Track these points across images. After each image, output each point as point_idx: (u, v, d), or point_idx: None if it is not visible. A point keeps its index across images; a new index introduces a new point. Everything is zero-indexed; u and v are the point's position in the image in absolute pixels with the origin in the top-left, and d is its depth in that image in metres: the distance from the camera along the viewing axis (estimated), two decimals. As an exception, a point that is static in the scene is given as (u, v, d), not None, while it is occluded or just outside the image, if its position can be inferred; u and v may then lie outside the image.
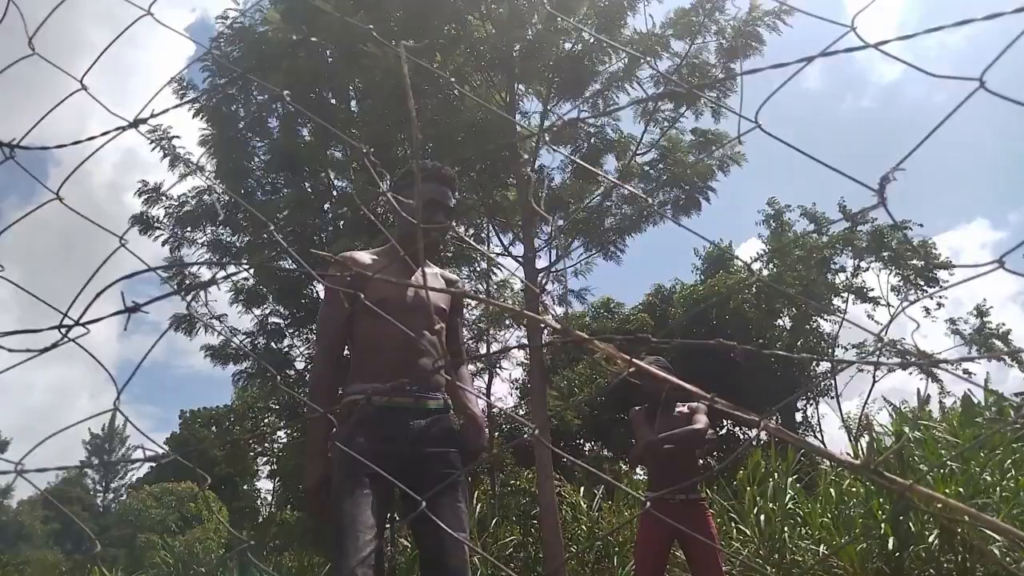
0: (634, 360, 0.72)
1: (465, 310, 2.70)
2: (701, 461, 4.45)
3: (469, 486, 12.22)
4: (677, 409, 4.16)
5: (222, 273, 10.24)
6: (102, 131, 1.04)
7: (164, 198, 10.28)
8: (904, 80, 51.26)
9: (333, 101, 10.41)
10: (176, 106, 0.95)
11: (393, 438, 2.28)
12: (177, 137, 10.00)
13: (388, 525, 2.36)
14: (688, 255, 30.82)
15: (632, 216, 9.36)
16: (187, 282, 9.96)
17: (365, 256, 2.51)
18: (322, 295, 3.01)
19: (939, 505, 0.69)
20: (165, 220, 10.34)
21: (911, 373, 19.36)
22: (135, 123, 0.97)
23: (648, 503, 3.47)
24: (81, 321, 0.90)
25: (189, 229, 10.35)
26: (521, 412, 19.86)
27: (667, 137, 9.23)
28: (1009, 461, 7.67)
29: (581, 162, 8.72)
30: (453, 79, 7.82)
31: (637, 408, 4.27)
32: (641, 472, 8.67)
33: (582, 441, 21.72)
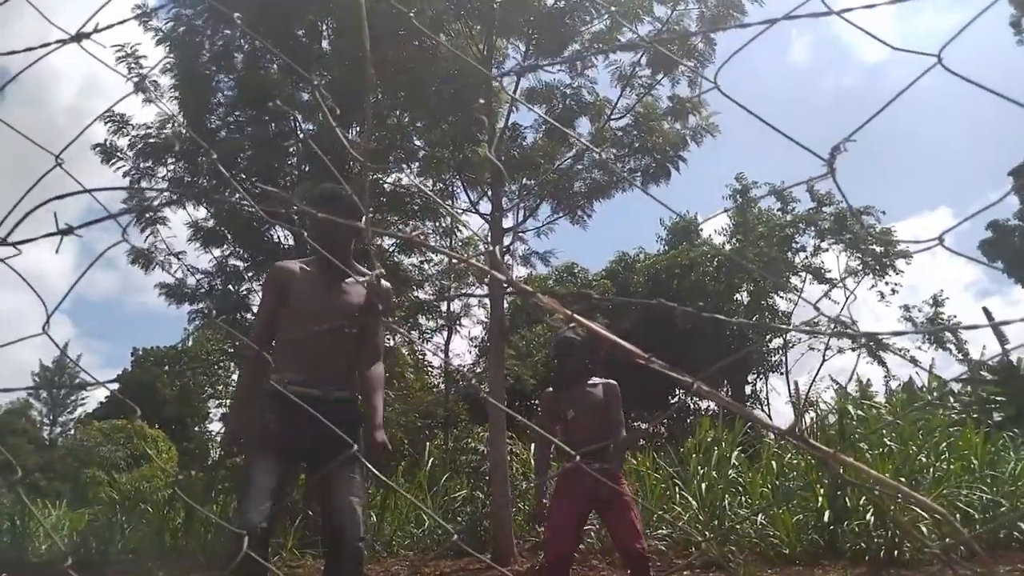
0: (575, 316, 0.71)
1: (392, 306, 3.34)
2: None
3: (425, 441, 12.34)
4: (590, 383, 4.24)
5: (170, 208, 9.92)
6: (65, 54, 0.98)
7: (129, 126, 9.92)
8: (889, 61, 51.46)
9: (304, 39, 10.11)
10: (122, 21, 0.89)
11: (299, 420, 2.57)
12: (144, 57, 9.59)
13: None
14: (654, 224, 31.01)
15: (602, 181, 9.33)
16: (146, 215, 9.72)
17: (294, 265, 3.07)
18: (282, 238, 3.81)
19: (863, 476, 0.71)
20: (128, 152, 10.00)
21: (858, 353, 19.89)
22: (78, 37, 0.91)
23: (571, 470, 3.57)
24: (9, 241, 0.86)
25: (151, 162, 10.02)
26: (479, 369, 19.98)
27: (643, 103, 9.18)
28: (945, 444, 7.98)
29: (554, 122, 8.64)
30: (428, 31, 7.64)
31: (549, 390, 4.38)
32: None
33: (536, 403, 21.98)
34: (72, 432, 33.68)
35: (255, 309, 10.39)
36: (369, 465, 1.82)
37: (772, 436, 8.24)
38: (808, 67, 57.38)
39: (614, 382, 4.23)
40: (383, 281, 3.11)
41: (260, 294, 3.25)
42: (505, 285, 0.71)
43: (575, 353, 4.25)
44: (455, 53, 7.59)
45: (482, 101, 8.58)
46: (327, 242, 2.74)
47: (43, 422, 39.78)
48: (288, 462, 2.82)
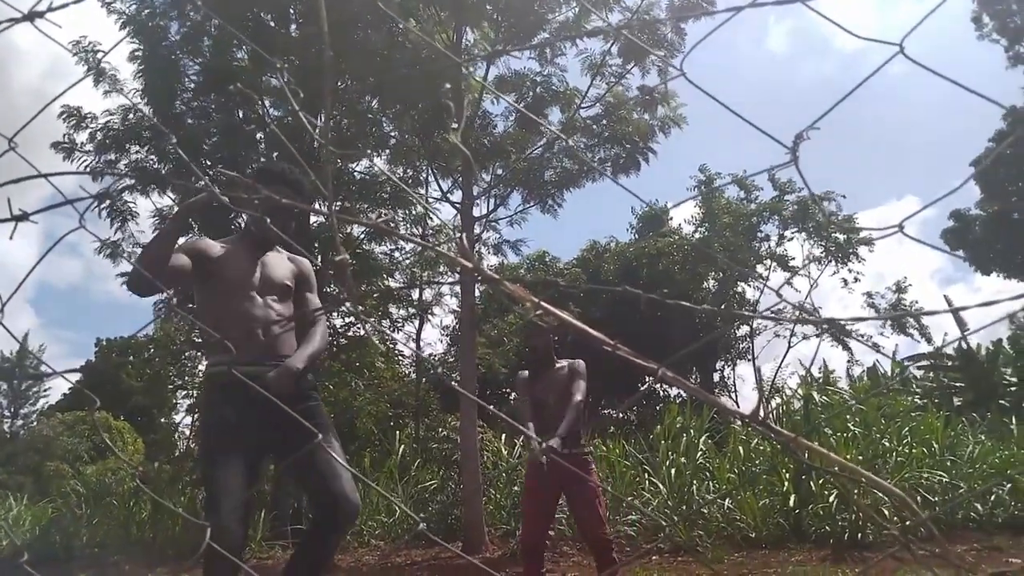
0: (543, 303, 0.72)
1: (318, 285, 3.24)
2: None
3: (394, 429, 12.28)
4: (557, 366, 4.27)
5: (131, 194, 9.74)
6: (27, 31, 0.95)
7: (89, 119, 9.69)
8: (867, 49, 52.12)
9: (272, 24, 9.94)
10: (65, 4, 0.85)
11: (254, 405, 2.29)
12: (103, 50, 9.38)
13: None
14: (625, 213, 31.18)
15: (572, 170, 9.35)
16: (111, 203, 9.51)
17: (214, 244, 2.96)
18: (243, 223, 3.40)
19: (825, 460, 0.72)
20: (88, 145, 9.78)
21: (819, 340, 20.23)
22: (30, 15, 0.89)
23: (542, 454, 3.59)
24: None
25: (113, 155, 9.81)
26: (450, 358, 19.95)
27: (612, 92, 9.20)
28: (907, 429, 8.18)
29: (525, 111, 8.63)
30: (396, 16, 7.56)
31: (522, 373, 4.41)
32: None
33: (508, 391, 22.05)
34: (34, 424, 32.96)
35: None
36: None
37: (738, 422, 8.36)
38: (786, 55, 58.01)
39: (580, 360, 4.27)
40: (300, 258, 3.12)
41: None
42: (474, 273, 0.71)
43: (544, 336, 4.28)
44: (423, 39, 7.52)
45: (448, 86, 8.52)
46: (271, 220, 2.70)
47: (3, 414, 38.91)
48: (252, 454, 2.71)
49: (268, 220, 2.57)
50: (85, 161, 9.75)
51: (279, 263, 3.02)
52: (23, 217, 0.84)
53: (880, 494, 6.51)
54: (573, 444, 4.07)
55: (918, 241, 0.75)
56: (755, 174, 21.23)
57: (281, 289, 2.97)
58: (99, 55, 9.35)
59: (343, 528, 2.88)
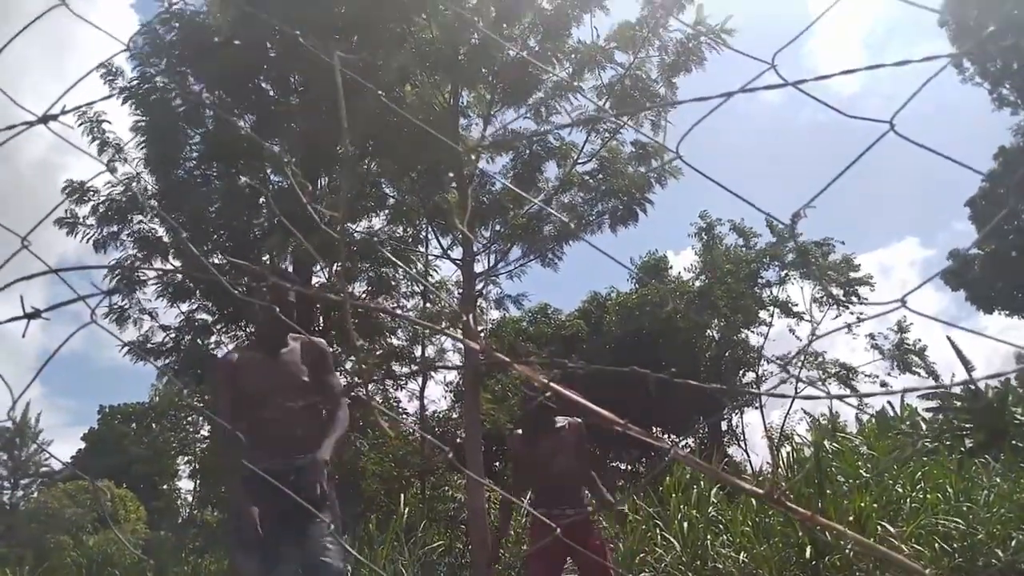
0: (551, 384, 0.72)
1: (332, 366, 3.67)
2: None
3: (400, 490, 12.13)
4: (558, 425, 4.22)
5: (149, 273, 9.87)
6: (33, 109, 0.98)
7: (91, 194, 9.87)
8: (863, 93, 52.80)
9: (272, 93, 10.17)
10: (88, 104, 0.89)
11: (270, 501, 2.82)
12: (108, 122, 9.60)
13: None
14: (625, 263, 31.23)
15: (571, 224, 9.44)
16: (115, 277, 9.60)
17: (235, 356, 3.32)
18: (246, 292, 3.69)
19: (839, 539, 0.72)
20: (91, 218, 9.93)
21: (829, 399, 20.06)
22: (44, 119, 0.92)
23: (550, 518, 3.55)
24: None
25: (115, 227, 9.95)
26: (455, 415, 19.78)
27: (607, 148, 9.35)
28: (919, 474, 8.05)
29: (514, 188, 8.75)
30: (392, 83, 7.74)
31: (516, 432, 4.34)
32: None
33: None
34: (35, 495, 32.47)
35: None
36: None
37: (750, 468, 8.25)
38: (783, 102, 58.99)
39: (579, 420, 4.21)
40: (314, 339, 3.44)
41: (217, 392, 3.45)
42: (481, 354, 0.72)
43: (537, 399, 4.22)
44: (421, 102, 7.69)
45: (452, 174, 8.65)
46: (269, 323, 3.25)
47: (3, 485, 38.38)
48: (270, 547, 3.00)
49: (277, 310, 2.82)
50: (88, 234, 9.89)
51: (293, 361, 3.30)
52: (35, 315, 0.86)
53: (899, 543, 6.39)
54: (578, 504, 4.01)
55: (921, 315, 0.76)
56: (759, 254, 21.34)
57: (298, 388, 3.25)
58: (103, 127, 9.56)
59: None
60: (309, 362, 3.31)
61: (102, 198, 9.80)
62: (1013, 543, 6.93)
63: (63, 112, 0.89)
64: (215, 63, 8.80)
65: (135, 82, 9.61)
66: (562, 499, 4.00)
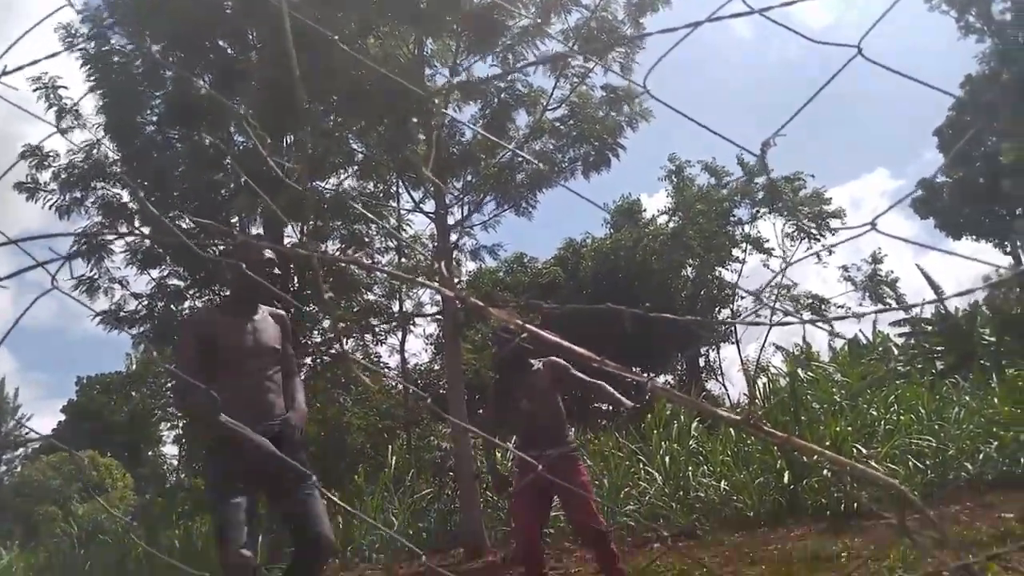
0: (527, 326, 0.74)
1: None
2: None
3: (387, 440, 12.25)
4: (533, 368, 4.28)
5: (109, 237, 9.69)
6: None
7: (51, 158, 9.59)
8: (835, 26, 52.42)
9: (230, 51, 9.87)
10: (35, 61, 0.86)
11: (251, 456, 3.07)
12: (64, 87, 9.27)
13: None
14: (600, 206, 31.23)
15: (544, 168, 9.37)
16: (86, 248, 9.42)
17: (209, 315, 3.47)
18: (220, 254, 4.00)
19: (816, 455, 0.75)
20: (52, 183, 9.67)
21: (803, 324, 20.42)
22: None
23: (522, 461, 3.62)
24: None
25: (78, 193, 9.70)
26: (436, 367, 19.91)
27: (577, 93, 9.24)
28: (892, 397, 8.31)
29: (484, 134, 8.64)
30: (354, 35, 7.54)
31: (496, 378, 4.41)
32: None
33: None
34: (19, 469, 32.37)
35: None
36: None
37: (728, 402, 8.45)
38: (753, 38, 58.48)
39: (554, 358, 4.26)
40: (276, 310, 3.56)
41: (179, 339, 3.52)
42: (457, 301, 0.73)
43: (509, 344, 4.26)
44: (385, 55, 7.51)
45: (416, 119, 8.49)
46: (245, 286, 3.35)
47: (-14, 461, 38.12)
48: (250, 494, 3.15)
49: (253, 275, 2.98)
50: (50, 200, 9.65)
51: (267, 326, 3.42)
52: None
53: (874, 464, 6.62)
54: (559, 442, 4.09)
55: (892, 237, 0.78)
56: (732, 181, 21.32)
57: (271, 353, 3.39)
58: (60, 92, 9.25)
59: (323, 561, 3.40)
60: (276, 331, 3.45)
61: (64, 163, 9.54)
62: (981, 456, 7.22)
63: (4, 72, 0.86)
64: (169, 21, 8.50)
65: (89, 42, 9.27)
66: (542, 440, 4.06)
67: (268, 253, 3.52)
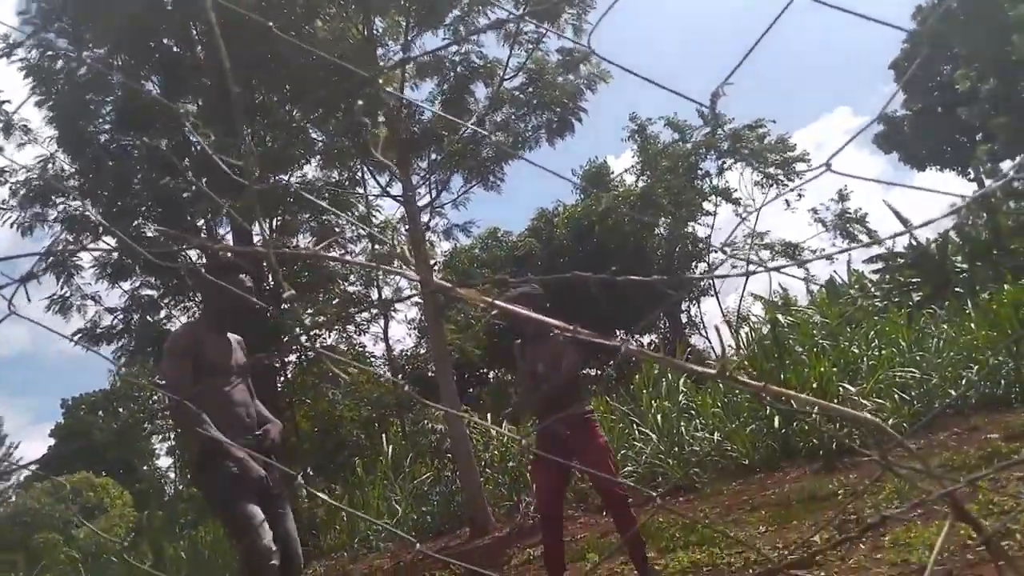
0: (495, 302, 0.71)
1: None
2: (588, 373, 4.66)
3: (384, 426, 12.25)
4: (551, 335, 4.28)
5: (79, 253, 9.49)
6: None
7: (6, 174, 9.33)
8: None
9: (176, 49, 9.63)
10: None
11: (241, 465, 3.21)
12: (7, 101, 9.00)
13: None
14: (568, 176, 31.13)
15: (507, 140, 9.29)
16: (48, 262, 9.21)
17: (195, 334, 3.47)
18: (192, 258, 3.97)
19: (794, 400, 0.74)
20: (12, 200, 9.44)
21: (772, 269, 20.61)
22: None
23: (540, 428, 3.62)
24: None
25: (38, 208, 9.48)
26: (422, 350, 19.90)
27: (533, 59, 9.14)
28: (872, 333, 8.42)
29: (443, 114, 8.53)
30: (302, 19, 7.38)
31: (517, 341, 4.42)
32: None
33: (486, 370, 22.11)
34: (13, 499, 32.03)
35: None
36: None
37: (713, 358, 8.52)
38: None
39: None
40: (236, 336, 3.70)
41: (169, 355, 3.41)
42: (422, 285, 0.70)
43: (533, 306, 4.23)
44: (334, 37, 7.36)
45: (361, 103, 8.35)
46: (225, 305, 3.48)
47: (-21, 493, 37.63)
48: (255, 500, 3.24)
49: (225, 303, 3.15)
50: (9, 219, 9.44)
51: (235, 344, 3.58)
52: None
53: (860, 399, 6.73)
54: (576, 405, 4.08)
55: (847, 175, 0.77)
56: (682, 138, 21.23)
57: (244, 370, 3.56)
58: (3, 106, 8.98)
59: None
60: (240, 350, 3.61)
61: (20, 179, 9.30)
62: (963, 382, 7.37)
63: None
64: (110, 24, 8.27)
65: (30, 51, 9.00)
66: (561, 405, 4.04)
67: (248, 282, 3.59)
